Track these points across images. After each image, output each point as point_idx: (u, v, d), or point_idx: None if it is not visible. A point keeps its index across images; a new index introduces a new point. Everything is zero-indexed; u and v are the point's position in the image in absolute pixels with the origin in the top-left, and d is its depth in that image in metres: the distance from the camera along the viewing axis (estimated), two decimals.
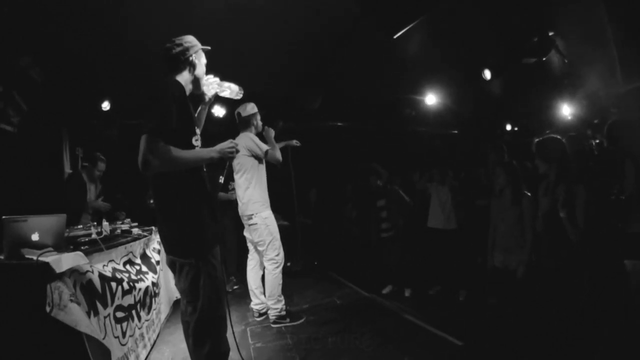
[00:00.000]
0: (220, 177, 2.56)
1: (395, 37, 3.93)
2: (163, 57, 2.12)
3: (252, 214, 3.64)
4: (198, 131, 2.19)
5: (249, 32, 4.09)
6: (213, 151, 2.04)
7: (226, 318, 2.09)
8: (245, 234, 3.90)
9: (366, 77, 5.64)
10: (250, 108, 3.80)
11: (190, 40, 2.14)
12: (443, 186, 4.45)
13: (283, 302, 3.74)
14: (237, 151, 2.16)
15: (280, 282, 3.69)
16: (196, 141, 2.10)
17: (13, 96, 3.98)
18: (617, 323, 2.38)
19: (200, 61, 2.18)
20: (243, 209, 3.71)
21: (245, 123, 3.80)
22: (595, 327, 2.46)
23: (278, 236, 3.72)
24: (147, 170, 1.78)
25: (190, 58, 2.11)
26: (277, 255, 3.68)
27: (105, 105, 5.31)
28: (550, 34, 4.54)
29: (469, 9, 4.05)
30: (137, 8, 3.56)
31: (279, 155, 3.61)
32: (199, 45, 2.17)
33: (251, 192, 3.64)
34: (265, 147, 3.61)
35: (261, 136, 3.79)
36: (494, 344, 3.03)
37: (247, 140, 3.64)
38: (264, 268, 3.80)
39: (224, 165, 2.32)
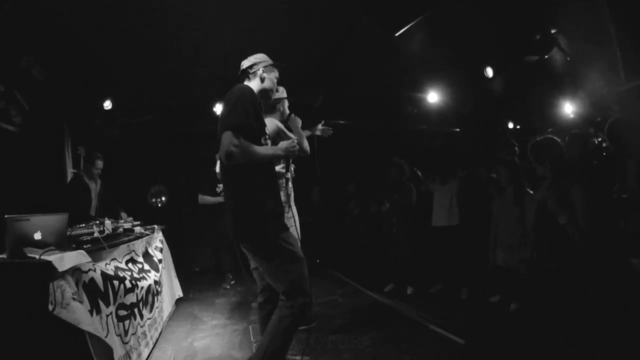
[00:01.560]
0: (289, 173, 2.66)
1: (397, 34, 3.92)
2: (240, 72, 2.50)
3: None
4: (267, 131, 2.46)
5: (250, 30, 4.08)
6: (279, 149, 2.28)
7: (307, 278, 2.26)
8: None
9: (368, 75, 5.63)
10: (281, 92, 3.47)
11: (259, 56, 2.47)
12: (445, 185, 4.45)
13: None
14: (298, 149, 2.37)
15: None
16: (264, 140, 2.34)
17: (15, 95, 3.98)
18: (617, 323, 2.37)
19: (270, 75, 2.45)
20: None
21: (271, 106, 3.48)
22: (595, 327, 2.45)
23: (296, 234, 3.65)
24: (230, 161, 2.04)
25: (259, 72, 2.42)
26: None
27: (107, 104, 5.31)
28: (553, 31, 4.52)
29: (471, 6, 4.04)
30: (138, 6, 3.56)
31: (306, 145, 3.28)
32: (269, 61, 2.47)
33: None
34: (293, 137, 3.39)
35: (285, 124, 3.51)
36: (496, 342, 3.02)
37: (272, 126, 3.29)
38: None
39: (288, 161, 2.52)
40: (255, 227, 2.17)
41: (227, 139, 2.03)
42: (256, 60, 2.45)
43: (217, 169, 2.87)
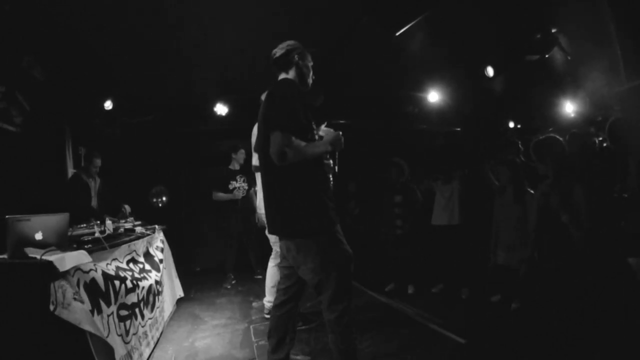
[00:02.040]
0: (336, 166, 2.64)
1: (397, 34, 3.92)
2: (272, 62, 2.40)
3: None
4: (314, 126, 2.36)
5: (249, 30, 4.09)
6: (326, 144, 2.18)
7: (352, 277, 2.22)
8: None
9: (368, 75, 5.63)
10: None
11: (291, 43, 2.38)
12: (447, 184, 4.45)
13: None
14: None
15: None
16: (313, 135, 2.28)
17: (15, 96, 3.99)
18: (617, 323, 2.37)
19: (305, 61, 2.38)
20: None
21: None
22: (595, 327, 2.45)
23: None
24: (283, 161, 2.00)
25: (294, 59, 2.34)
26: None
27: (108, 105, 5.33)
28: (553, 31, 4.52)
29: (471, 5, 4.04)
30: (138, 6, 3.56)
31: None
32: (301, 47, 2.39)
33: None
34: None
35: None
36: (497, 342, 3.02)
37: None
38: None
39: (335, 155, 2.48)
40: (311, 223, 2.11)
41: (278, 139, 1.99)
42: (289, 47, 2.37)
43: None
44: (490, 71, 5.25)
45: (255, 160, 2.75)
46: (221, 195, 5.23)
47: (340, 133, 2.24)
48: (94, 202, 4.69)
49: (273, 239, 3.73)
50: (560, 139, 2.81)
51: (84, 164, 4.74)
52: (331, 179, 2.53)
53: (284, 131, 2.00)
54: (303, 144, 2.06)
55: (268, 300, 3.85)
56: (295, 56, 2.35)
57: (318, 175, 2.22)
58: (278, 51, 2.37)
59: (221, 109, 5.96)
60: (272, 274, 3.85)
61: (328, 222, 2.15)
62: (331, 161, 2.48)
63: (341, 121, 6.94)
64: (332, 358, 2.20)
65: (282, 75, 2.36)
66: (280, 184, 2.17)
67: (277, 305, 2.46)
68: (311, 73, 2.43)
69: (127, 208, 4.45)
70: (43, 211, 2.30)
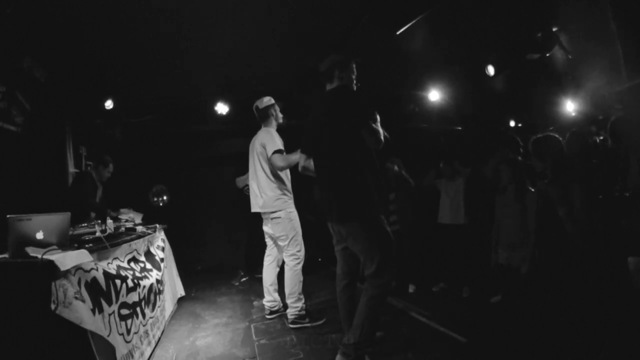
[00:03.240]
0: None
1: (398, 33, 3.92)
2: (319, 74, 2.76)
3: (276, 210, 3.57)
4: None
5: (250, 30, 4.09)
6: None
7: (395, 261, 2.54)
8: (265, 228, 3.79)
9: (368, 73, 5.61)
10: (267, 100, 3.76)
11: (333, 58, 2.69)
12: (452, 182, 4.45)
13: (303, 300, 3.60)
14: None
15: (301, 279, 3.60)
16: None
17: (16, 96, 3.99)
18: (619, 322, 2.36)
19: (346, 73, 2.67)
20: (265, 203, 3.62)
21: (264, 116, 3.76)
22: (597, 326, 2.45)
23: (300, 231, 3.65)
24: (382, 146, 2.49)
25: (336, 73, 2.66)
26: (299, 251, 3.60)
27: (109, 104, 5.33)
28: (554, 29, 4.51)
29: (472, 4, 4.03)
30: (139, 6, 3.56)
31: (280, 164, 3.45)
32: (343, 60, 2.68)
33: (274, 187, 3.58)
34: (273, 148, 3.47)
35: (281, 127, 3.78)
36: (498, 341, 3.02)
37: (264, 135, 3.61)
38: (281, 265, 3.75)
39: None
40: (364, 208, 2.44)
41: (372, 130, 2.43)
42: (331, 61, 2.68)
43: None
44: (491, 70, 5.24)
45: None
46: (241, 178, 4.90)
47: (381, 130, 2.53)
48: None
49: (269, 231, 3.72)
50: (559, 137, 2.81)
51: (98, 167, 4.69)
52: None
53: (368, 125, 2.43)
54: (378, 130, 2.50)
55: (267, 300, 3.85)
56: (336, 71, 2.66)
57: (374, 165, 2.54)
58: (322, 66, 2.71)
59: (222, 108, 5.95)
60: (268, 272, 3.86)
61: (375, 207, 2.46)
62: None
63: None
64: (330, 357, 2.47)
65: (328, 86, 2.72)
66: (340, 173, 2.52)
67: (342, 291, 2.80)
68: (354, 82, 2.72)
69: (125, 211, 4.38)
70: (44, 211, 2.30)
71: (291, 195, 3.70)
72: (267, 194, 3.60)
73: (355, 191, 2.46)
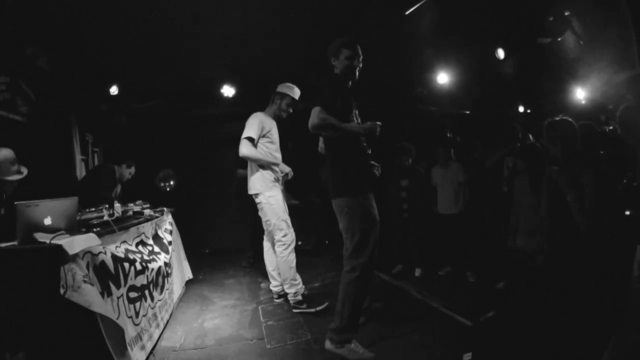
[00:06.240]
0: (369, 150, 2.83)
1: (406, 13, 3.83)
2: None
3: (257, 193, 3.57)
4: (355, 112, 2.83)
5: (256, 16, 4.01)
6: (361, 128, 2.66)
7: (377, 243, 2.69)
8: (260, 213, 3.77)
9: (377, 55, 5.51)
10: (283, 87, 3.69)
11: (332, 44, 2.79)
12: (447, 168, 4.42)
13: (299, 285, 3.57)
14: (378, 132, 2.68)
15: (293, 264, 3.56)
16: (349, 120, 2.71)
17: (20, 86, 3.99)
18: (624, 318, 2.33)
19: (338, 60, 2.75)
20: (249, 188, 3.64)
21: (271, 98, 3.73)
22: (602, 316, 2.42)
23: (284, 216, 3.58)
24: (312, 130, 2.60)
25: (332, 61, 2.79)
26: (284, 236, 3.54)
27: (114, 90, 5.31)
28: (567, 13, 4.36)
29: None
30: None
31: (242, 149, 3.43)
32: (339, 45, 2.75)
33: (254, 170, 3.57)
34: (246, 134, 3.45)
35: (280, 117, 3.74)
36: (503, 326, 3.02)
37: (251, 118, 3.57)
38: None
39: (371, 140, 2.76)
40: (346, 186, 2.61)
41: (315, 112, 2.54)
42: (329, 49, 2.80)
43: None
44: (501, 53, 5.11)
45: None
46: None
47: (378, 123, 2.64)
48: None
49: (261, 216, 3.72)
50: (574, 122, 2.73)
51: (123, 168, 4.67)
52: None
53: (321, 107, 2.51)
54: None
55: (273, 285, 3.86)
56: (331, 58, 2.79)
57: (354, 151, 2.66)
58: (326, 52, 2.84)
59: (228, 91, 5.87)
60: (268, 258, 3.87)
61: (358, 189, 2.60)
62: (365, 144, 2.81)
63: None
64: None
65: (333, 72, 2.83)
66: (329, 157, 2.74)
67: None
68: (354, 63, 2.74)
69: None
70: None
71: (276, 178, 3.61)
72: (251, 176, 3.61)
73: (339, 171, 2.65)
